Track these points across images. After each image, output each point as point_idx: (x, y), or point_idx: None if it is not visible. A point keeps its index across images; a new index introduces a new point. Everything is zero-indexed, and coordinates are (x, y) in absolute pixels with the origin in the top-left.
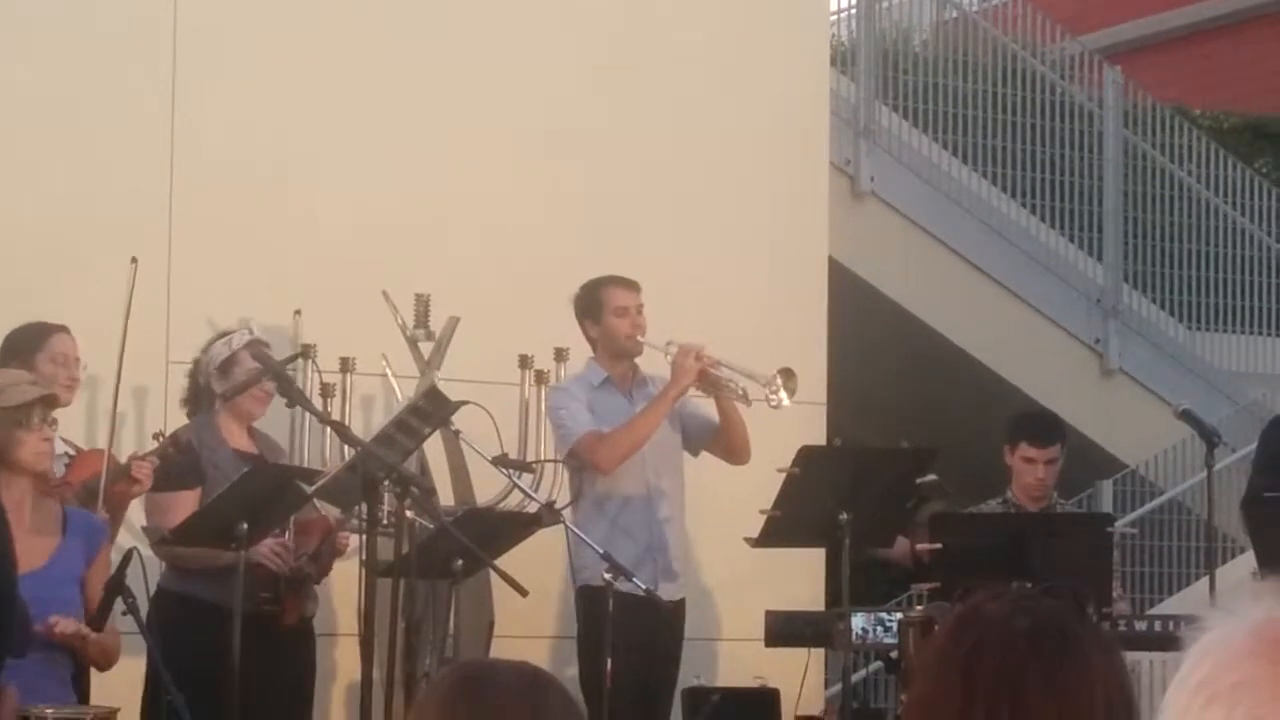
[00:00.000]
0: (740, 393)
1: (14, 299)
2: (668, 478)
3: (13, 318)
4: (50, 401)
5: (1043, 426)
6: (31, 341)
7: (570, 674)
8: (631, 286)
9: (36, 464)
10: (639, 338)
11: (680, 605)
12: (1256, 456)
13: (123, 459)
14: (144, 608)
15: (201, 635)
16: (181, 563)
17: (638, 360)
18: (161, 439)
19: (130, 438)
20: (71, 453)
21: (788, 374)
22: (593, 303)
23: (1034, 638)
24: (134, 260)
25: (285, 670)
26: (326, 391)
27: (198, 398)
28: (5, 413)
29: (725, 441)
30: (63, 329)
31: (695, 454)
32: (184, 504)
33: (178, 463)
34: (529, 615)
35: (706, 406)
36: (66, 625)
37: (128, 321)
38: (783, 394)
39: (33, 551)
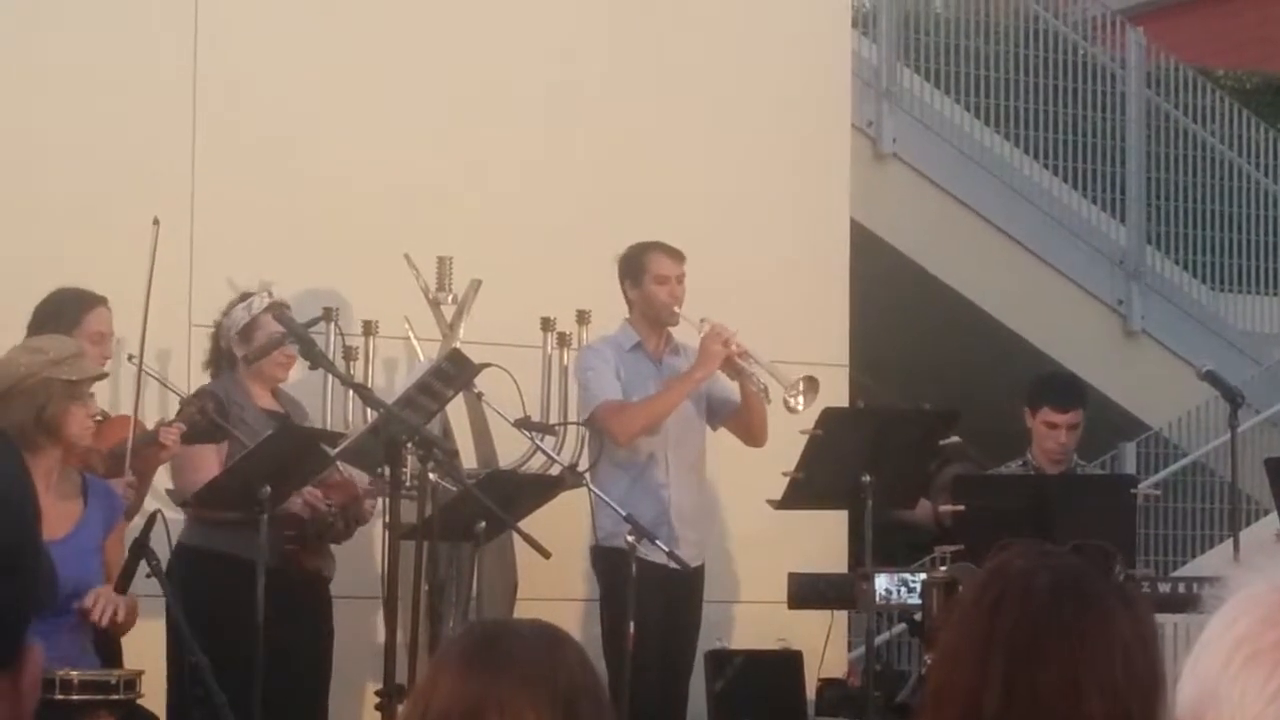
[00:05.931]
0: (762, 387)
1: (37, 264)
2: (687, 446)
3: (36, 282)
4: (100, 376)
5: (1065, 390)
6: (72, 314)
7: (594, 635)
8: (676, 256)
9: (82, 438)
10: (675, 309)
11: (700, 570)
12: None
13: (148, 424)
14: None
15: (224, 590)
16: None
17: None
18: (185, 403)
19: (153, 401)
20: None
21: (811, 382)
22: (636, 266)
23: (1054, 591)
24: (156, 221)
25: (304, 631)
26: (349, 354)
27: (219, 360)
28: (64, 385)
29: (745, 423)
30: (101, 302)
31: (714, 429)
32: (209, 458)
33: (203, 419)
34: (553, 577)
35: (733, 385)
36: (102, 610)
37: (151, 283)
38: (801, 400)
39: (57, 519)
